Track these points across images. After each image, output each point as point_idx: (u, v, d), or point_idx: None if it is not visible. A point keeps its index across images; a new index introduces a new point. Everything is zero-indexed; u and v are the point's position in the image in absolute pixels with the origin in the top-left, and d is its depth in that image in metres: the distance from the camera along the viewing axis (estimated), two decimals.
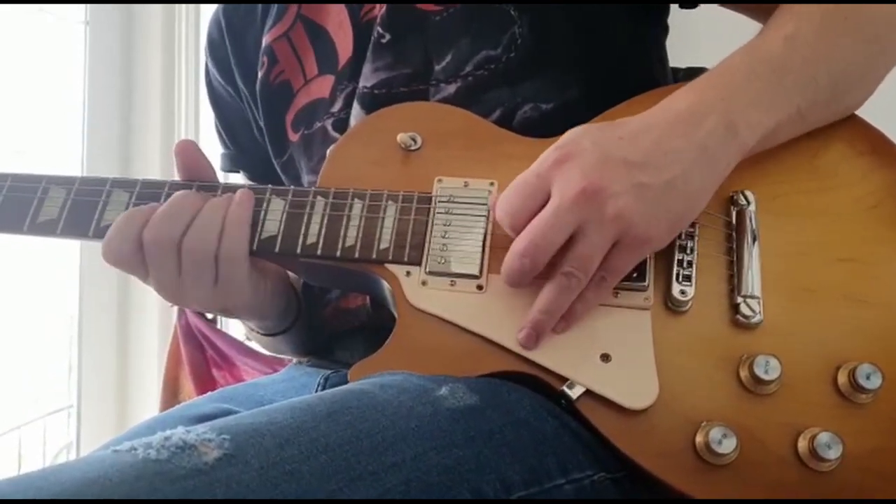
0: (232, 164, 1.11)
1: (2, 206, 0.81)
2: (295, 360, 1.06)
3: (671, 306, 0.71)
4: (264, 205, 0.79)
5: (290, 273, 0.97)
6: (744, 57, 0.75)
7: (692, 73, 1.01)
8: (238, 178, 1.12)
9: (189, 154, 0.82)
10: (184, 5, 2.22)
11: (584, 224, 0.66)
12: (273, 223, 0.78)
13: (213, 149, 1.14)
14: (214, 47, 1.07)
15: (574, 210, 0.65)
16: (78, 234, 0.79)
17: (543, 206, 0.67)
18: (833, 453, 0.63)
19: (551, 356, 0.69)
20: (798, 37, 0.74)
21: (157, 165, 2.18)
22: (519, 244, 0.67)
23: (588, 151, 0.67)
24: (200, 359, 1.36)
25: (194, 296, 0.78)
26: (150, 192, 0.81)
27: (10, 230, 0.81)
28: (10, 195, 0.81)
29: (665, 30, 0.99)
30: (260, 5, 1.02)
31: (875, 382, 0.65)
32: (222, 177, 1.16)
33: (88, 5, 2.20)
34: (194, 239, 0.75)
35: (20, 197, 0.81)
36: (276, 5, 1.00)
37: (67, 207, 0.80)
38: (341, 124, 0.92)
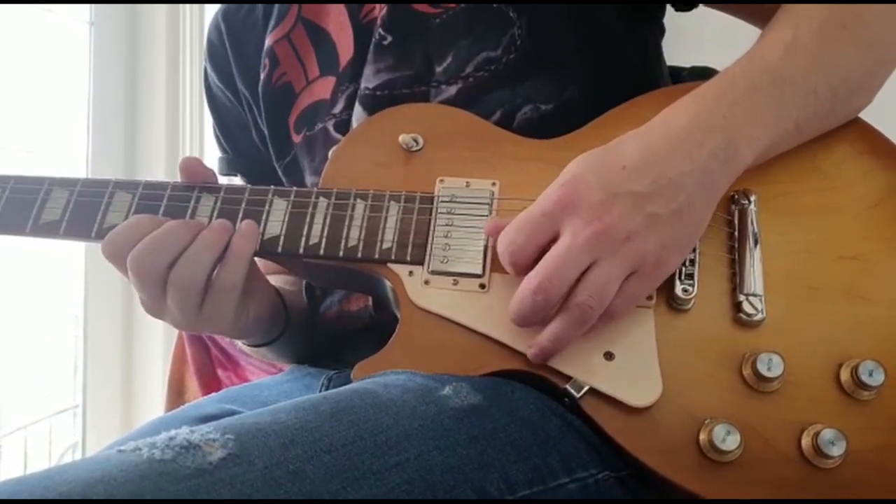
0: (230, 168, 1.11)
1: (4, 207, 0.81)
2: None
3: (674, 304, 0.71)
4: (266, 205, 0.79)
5: (283, 287, 0.97)
6: (744, 68, 0.74)
7: (696, 71, 1.01)
8: (236, 182, 1.12)
9: (193, 171, 0.82)
10: (188, 5, 2.22)
11: (600, 257, 0.65)
12: (276, 224, 0.78)
13: (217, 149, 1.14)
14: (214, 52, 1.07)
15: (588, 249, 0.65)
16: (80, 235, 0.80)
17: (548, 243, 0.67)
18: (837, 450, 0.63)
19: None
20: (797, 47, 0.74)
21: (161, 165, 2.19)
22: (532, 281, 0.66)
23: (594, 188, 0.66)
24: (205, 359, 1.36)
25: (171, 318, 0.79)
26: (153, 193, 0.81)
27: (13, 232, 0.81)
28: (12, 197, 0.81)
29: (662, 30, 0.99)
30: (261, 8, 1.03)
31: (878, 379, 0.65)
32: (222, 181, 1.16)
33: (93, 5, 2.21)
34: (183, 272, 0.75)
35: (23, 199, 0.81)
36: (277, 8, 1.00)
37: (70, 209, 0.80)
38: (343, 125, 0.93)
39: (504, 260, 0.69)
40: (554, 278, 0.65)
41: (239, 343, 0.97)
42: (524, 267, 0.68)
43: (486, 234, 0.74)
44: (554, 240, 0.67)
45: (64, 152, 2.23)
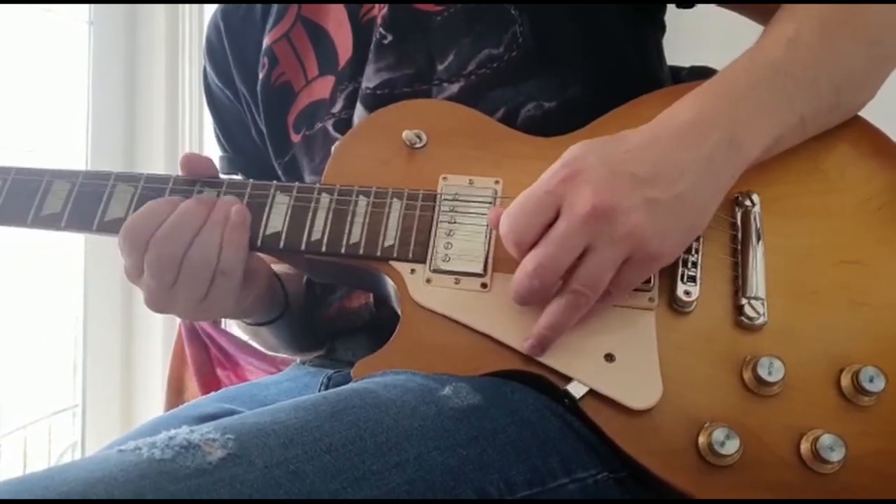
0: (230, 168, 1.11)
1: (6, 199, 0.81)
2: (298, 360, 1.06)
3: (675, 307, 0.71)
4: (269, 201, 0.79)
5: (280, 270, 0.97)
6: (746, 64, 0.75)
7: (696, 71, 1.01)
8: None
9: (194, 167, 0.82)
10: (187, 5, 2.22)
11: (595, 242, 0.65)
12: (278, 219, 0.78)
13: (217, 148, 1.14)
14: (213, 51, 1.07)
15: (585, 229, 0.64)
16: (82, 227, 0.80)
17: (550, 223, 0.66)
18: (836, 455, 0.63)
19: (555, 356, 0.69)
20: (798, 42, 0.74)
21: (160, 165, 2.19)
22: (528, 264, 0.66)
23: (596, 168, 0.66)
24: (205, 358, 1.37)
25: (180, 306, 0.78)
26: (154, 186, 0.80)
27: (14, 223, 0.81)
28: (13, 188, 0.81)
29: (662, 28, 0.99)
30: (260, 7, 1.02)
31: (878, 385, 0.65)
32: None
33: (92, 5, 2.21)
34: (198, 255, 0.75)
35: (24, 190, 0.81)
36: (276, 7, 1.00)
37: (71, 201, 0.80)
38: (342, 124, 0.92)
39: (508, 241, 0.68)
40: (549, 263, 0.65)
41: (240, 330, 0.97)
42: (528, 247, 0.67)
43: (490, 227, 0.74)
44: (556, 217, 0.66)
45: (63, 152, 2.23)
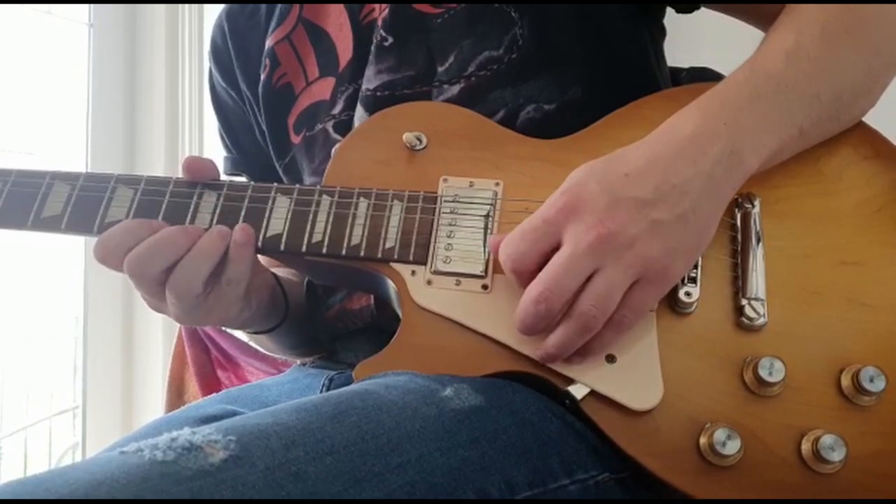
0: (234, 168, 1.11)
1: (6, 201, 0.81)
2: (299, 361, 1.06)
3: (676, 308, 0.71)
4: (269, 203, 0.79)
5: (283, 275, 0.97)
6: (746, 74, 0.74)
7: (695, 73, 1.01)
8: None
9: (195, 171, 0.82)
10: (187, 6, 2.22)
11: (603, 265, 0.65)
12: (278, 221, 0.78)
13: (217, 149, 1.14)
14: (218, 52, 1.08)
15: (590, 256, 0.64)
16: (82, 230, 0.80)
17: (551, 251, 0.66)
18: (837, 455, 0.63)
19: None
20: (799, 53, 0.74)
21: (161, 166, 2.19)
22: (533, 290, 0.66)
23: (597, 195, 0.66)
24: (205, 359, 1.36)
25: (174, 312, 0.79)
26: (155, 189, 0.81)
27: (14, 226, 0.81)
28: (14, 190, 0.81)
29: (662, 31, 0.99)
30: (264, 9, 1.03)
31: (879, 385, 0.65)
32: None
33: (92, 6, 2.21)
34: (180, 279, 0.75)
35: (24, 192, 0.81)
36: (279, 8, 1.00)
37: (72, 203, 0.80)
38: (343, 126, 0.93)
39: (506, 268, 0.68)
40: (555, 288, 0.65)
41: (242, 334, 0.98)
42: (527, 275, 0.67)
43: (491, 252, 0.73)
44: (557, 247, 0.66)
45: (63, 154, 2.23)
